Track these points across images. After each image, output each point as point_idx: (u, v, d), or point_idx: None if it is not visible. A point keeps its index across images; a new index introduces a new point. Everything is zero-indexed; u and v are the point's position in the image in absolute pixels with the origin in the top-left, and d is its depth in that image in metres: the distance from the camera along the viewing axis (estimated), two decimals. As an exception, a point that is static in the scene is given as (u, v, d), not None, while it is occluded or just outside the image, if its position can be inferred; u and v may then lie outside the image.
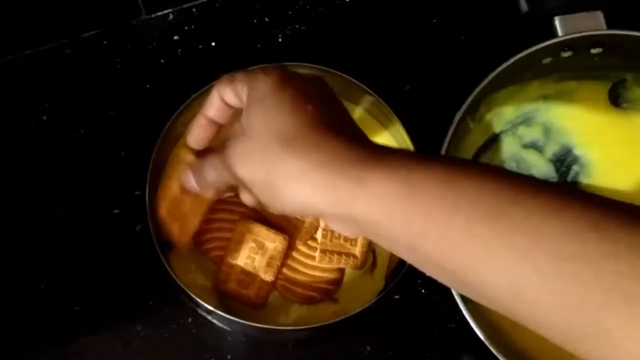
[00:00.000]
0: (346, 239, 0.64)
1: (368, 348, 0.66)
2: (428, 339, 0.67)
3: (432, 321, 0.67)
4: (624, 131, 0.69)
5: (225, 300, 0.63)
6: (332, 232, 0.64)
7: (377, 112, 0.68)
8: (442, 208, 0.41)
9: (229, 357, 0.65)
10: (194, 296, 0.60)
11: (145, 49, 0.73)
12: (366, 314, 0.62)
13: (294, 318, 0.64)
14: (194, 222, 0.62)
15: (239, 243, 0.63)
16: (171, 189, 0.61)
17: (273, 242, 0.63)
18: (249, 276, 0.63)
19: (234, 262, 0.63)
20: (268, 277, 0.63)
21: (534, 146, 0.70)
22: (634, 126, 0.69)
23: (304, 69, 0.67)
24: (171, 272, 0.61)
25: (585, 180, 0.69)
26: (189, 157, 0.60)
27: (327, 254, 0.63)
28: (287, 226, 0.65)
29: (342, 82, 0.67)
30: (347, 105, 0.69)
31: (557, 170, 0.69)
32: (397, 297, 0.67)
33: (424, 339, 0.67)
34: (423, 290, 0.68)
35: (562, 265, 0.37)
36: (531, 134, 0.70)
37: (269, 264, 0.63)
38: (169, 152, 0.66)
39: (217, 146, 0.57)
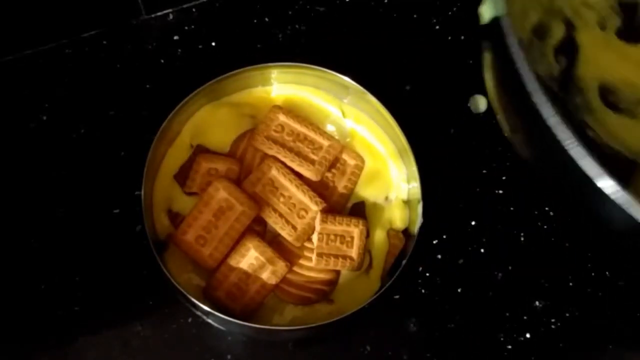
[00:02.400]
0: (342, 242, 0.64)
1: (368, 348, 0.66)
2: (428, 339, 0.67)
3: (432, 321, 0.67)
4: None
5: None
6: (328, 235, 0.64)
7: (375, 113, 0.68)
8: None
9: (229, 357, 0.65)
10: (190, 297, 0.60)
11: (145, 49, 0.73)
12: (366, 314, 0.62)
13: (289, 319, 0.64)
14: (227, 247, 0.63)
15: (241, 256, 0.62)
16: (204, 214, 0.62)
17: (274, 265, 0.62)
18: (239, 291, 0.62)
19: (229, 273, 0.63)
20: (258, 297, 0.63)
21: None
22: None
23: (304, 69, 0.67)
24: (167, 273, 0.61)
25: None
26: (222, 193, 0.62)
27: (324, 257, 0.63)
28: (293, 250, 0.65)
29: (339, 84, 0.67)
30: (344, 106, 0.69)
31: None
32: (397, 297, 0.67)
33: (424, 339, 0.67)
34: (423, 290, 0.68)
35: None
36: None
37: (263, 286, 0.63)
38: (165, 152, 0.66)
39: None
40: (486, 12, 0.56)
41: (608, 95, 0.62)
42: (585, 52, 0.62)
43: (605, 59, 0.62)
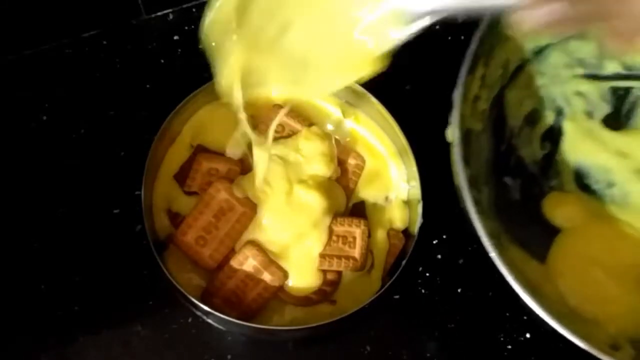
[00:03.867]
0: (344, 242, 0.64)
1: (368, 348, 0.66)
2: (428, 339, 0.67)
3: (432, 321, 0.67)
4: None
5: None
6: (330, 236, 0.64)
7: (375, 113, 0.68)
8: None
9: (229, 357, 0.65)
10: (190, 297, 0.60)
11: (145, 49, 0.73)
12: (366, 314, 0.62)
13: (289, 319, 0.63)
14: (227, 248, 0.63)
15: (239, 264, 0.62)
16: (205, 215, 0.62)
17: (272, 275, 0.62)
18: (237, 298, 0.62)
19: (227, 280, 0.62)
20: (255, 304, 0.62)
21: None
22: None
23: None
24: (167, 273, 0.61)
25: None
26: (223, 194, 0.62)
27: (327, 258, 0.63)
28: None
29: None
30: (344, 106, 0.69)
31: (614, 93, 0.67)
32: (397, 297, 0.67)
33: (424, 339, 0.67)
34: (423, 290, 0.68)
35: None
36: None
37: (259, 295, 0.62)
38: (165, 152, 0.66)
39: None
40: (451, 135, 0.59)
41: (583, 178, 0.68)
42: (569, 138, 0.68)
43: (586, 146, 0.67)
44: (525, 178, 0.68)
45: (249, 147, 0.66)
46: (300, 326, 0.61)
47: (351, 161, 0.67)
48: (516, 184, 0.68)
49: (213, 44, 0.53)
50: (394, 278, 0.62)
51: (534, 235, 0.66)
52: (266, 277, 0.62)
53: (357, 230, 0.64)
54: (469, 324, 0.67)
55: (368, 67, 0.50)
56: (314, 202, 0.63)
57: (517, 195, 0.67)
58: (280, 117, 0.63)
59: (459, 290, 0.68)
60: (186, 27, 0.74)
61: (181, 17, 0.74)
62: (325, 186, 0.64)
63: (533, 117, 0.68)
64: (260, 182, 0.63)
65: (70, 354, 0.64)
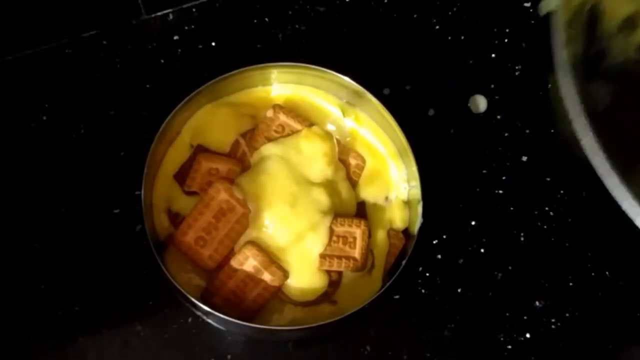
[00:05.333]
0: (345, 243, 0.64)
1: (368, 348, 0.66)
2: (428, 339, 0.67)
3: (432, 321, 0.67)
4: None
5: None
6: (331, 236, 0.64)
7: (375, 113, 0.68)
8: None
9: (229, 357, 0.65)
10: (190, 297, 0.60)
11: (145, 49, 0.73)
12: (366, 314, 0.62)
13: (289, 319, 0.63)
14: (227, 248, 0.63)
15: (239, 264, 0.62)
16: (205, 216, 0.62)
17: (272, 275, 0.62)
18: (237, 298, 0.62)
19: (227, 280, 0.62)
20: (255, 305, 0.62)
21: None
22: None
23: (304, 69, 0.67)
24: (167, 273, 0.61)
25: None
26: (223, 195, 0.62)
27: (327, 258, 0.63)
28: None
29: (339, 84, 0.67)
30: (344, 106, 0.69)
31: None
32: (397, 297, 0.67)
33: (424, 339, 0.67)
34: (423, 290, 0.68)
35: None
36: None
37: (259, 295, 0.62)
38: (165, 152, 0.66)
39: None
40: (544, 7, 0.57)
41: None
42: None
43: None
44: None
45: (248, 146, 0.66)
46: (300, 326, 0.61)
47: (351, 161, 0.67)
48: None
49: None
50: (394, 278, 0.62)
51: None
52: (266, 277, 0.62)
53: (357, 230, 0.64)
54: (469, 324, 0.67)
55: None
56: (317, 202, 0.63)
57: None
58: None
59: (459, 290, 0.68)
60: (186, 27, 0.74)
61: (181, 17, 0.74)
62: (329, 186, 0.64)
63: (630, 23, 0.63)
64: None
65: (70, 354, 0.64)
